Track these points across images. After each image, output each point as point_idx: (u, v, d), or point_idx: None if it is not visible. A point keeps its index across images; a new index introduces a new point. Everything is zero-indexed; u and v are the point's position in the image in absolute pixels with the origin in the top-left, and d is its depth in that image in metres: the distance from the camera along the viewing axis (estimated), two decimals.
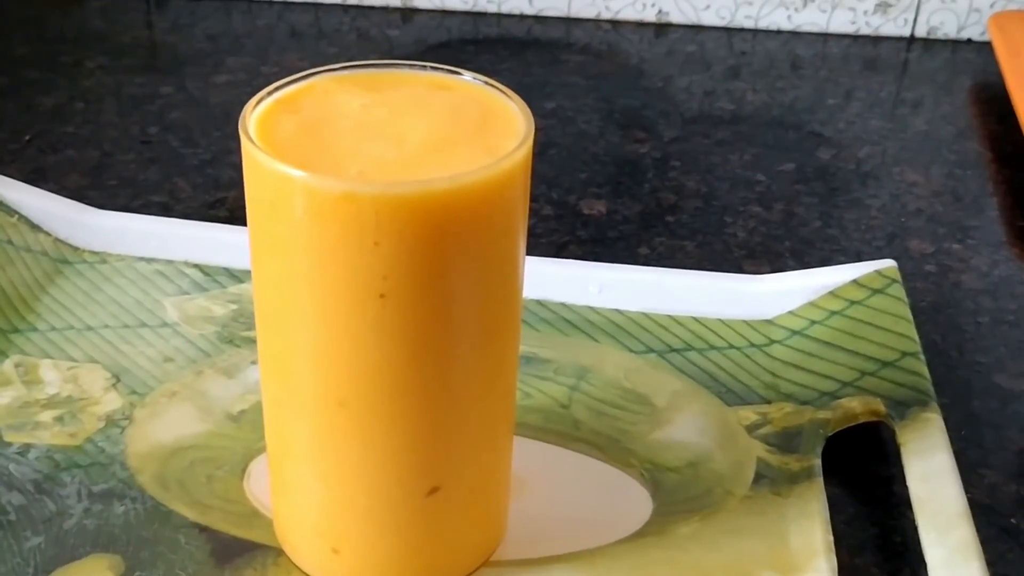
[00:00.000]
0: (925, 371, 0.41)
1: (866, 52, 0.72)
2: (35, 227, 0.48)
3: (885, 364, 0.41)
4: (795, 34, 0.74)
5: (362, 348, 0.29)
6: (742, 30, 0.74)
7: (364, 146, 0.29)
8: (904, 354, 0.41)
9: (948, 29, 0.73)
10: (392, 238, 0.27)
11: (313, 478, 0.32)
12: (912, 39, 0.74)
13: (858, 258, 0.51)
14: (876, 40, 0.74)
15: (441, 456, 0.32)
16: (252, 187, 0.29)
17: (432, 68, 0.32)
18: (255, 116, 0.30)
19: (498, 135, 0.29)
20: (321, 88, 0.31)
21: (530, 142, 0.29)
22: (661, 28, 0.74)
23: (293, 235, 0.28)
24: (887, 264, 0.45)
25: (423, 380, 0.30)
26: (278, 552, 0.35)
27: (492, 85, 0.31)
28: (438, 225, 0.28)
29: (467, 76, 0.31)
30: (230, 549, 0.35)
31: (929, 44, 0.73)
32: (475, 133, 0.30)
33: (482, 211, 0.28)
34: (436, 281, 0.28)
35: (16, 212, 0.48)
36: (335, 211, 0.27)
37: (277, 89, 0.31)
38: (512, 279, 0.31)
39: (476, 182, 0.28)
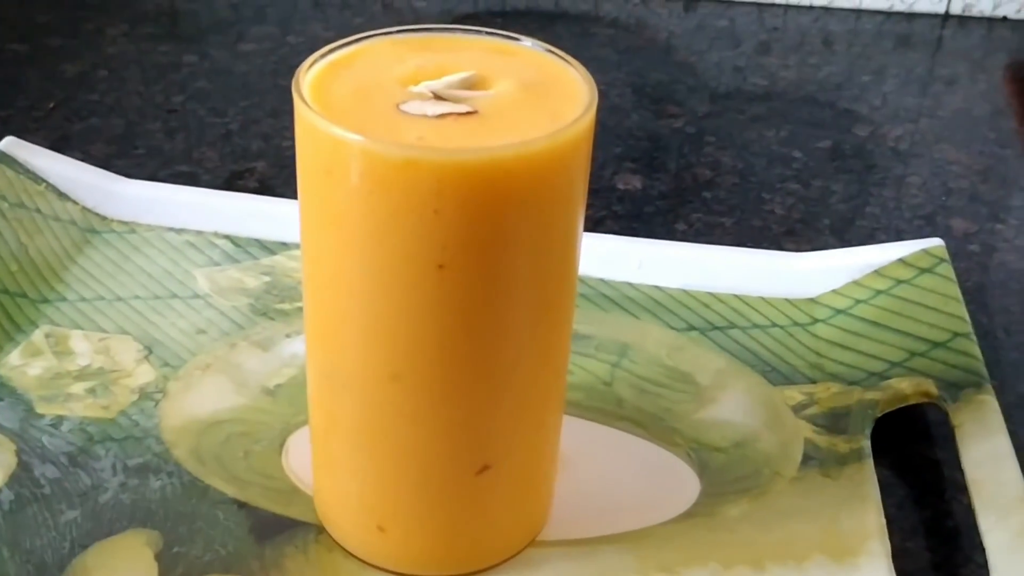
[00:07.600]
0: (977, 352, 0.40)
1: (900, 29, 0.71)
2: (63, 195, 0.47)
3: (935, 345, 0.40)
4: (827, 10, 0.73)
5: (419, 320, 0.28)
6: (773, 5, 0.73)
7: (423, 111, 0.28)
8: (955, 335, 0.41)
9: (983, 6, 0.72)
10: (453, 206, 0.26)
11: (361, 454, 0.31)
12: (947, 16, 0.73)
13: (899, 237, 0.50)
14: (910, 17, 0.72)
15: (494, 434, 0.31)
16: (305, 152, 0.28)
17: (490, 33, 0.30)
18: (309, 78, 0.29)
19: (560, 102, 0.28)
20: (376, 51, 0.30)
21: (594, 109, 0.28)
22: (690, 2, 0.73)
23: (349, 203, 0.27)
24: (934, 243, 0.44)
25: (480, 354, 0.29)
26: (319, 529, 0.34)
27: (552, 51, 0.30)
28: (501, 193, 0.27)
29: (527, 42, 0.30)
30: (270, 526, 0.35)
31: (964, 21, 0.72)
32: (537, 99, 0.29)
33: (546, 179, 0.27)
34: (496, 251, 0.27)
35: (44, 180, 0.47)
36: (395, 178, 0.26)
37: (331, 51, 0.29)
38: (570, 251, 0.30)
39: (542, 150, 0.27)
